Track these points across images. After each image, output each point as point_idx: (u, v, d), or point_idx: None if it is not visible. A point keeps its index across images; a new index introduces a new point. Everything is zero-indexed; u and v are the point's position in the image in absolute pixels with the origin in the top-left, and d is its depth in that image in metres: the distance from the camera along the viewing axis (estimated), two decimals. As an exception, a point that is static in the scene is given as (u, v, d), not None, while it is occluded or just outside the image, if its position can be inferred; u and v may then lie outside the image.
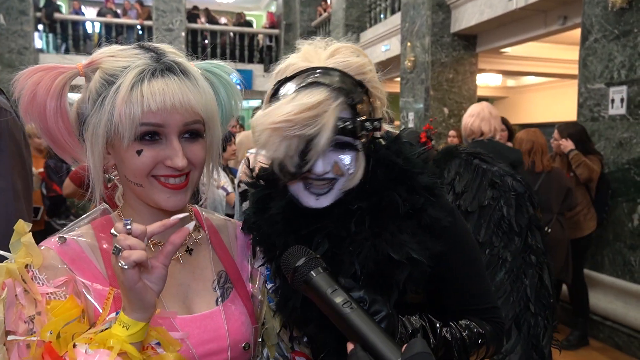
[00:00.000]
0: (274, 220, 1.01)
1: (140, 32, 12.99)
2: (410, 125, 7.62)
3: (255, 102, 14.80)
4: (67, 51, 12.59)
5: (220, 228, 1.06)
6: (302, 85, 0.90)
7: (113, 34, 12.69)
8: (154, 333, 0.77)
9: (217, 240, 1.03)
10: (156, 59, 0.84)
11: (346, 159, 0.93)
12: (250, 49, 13.94)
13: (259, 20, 16.76)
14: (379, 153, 1.00)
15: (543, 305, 1.71)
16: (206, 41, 13.51)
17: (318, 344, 1.03)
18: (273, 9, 16.10)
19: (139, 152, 0.82)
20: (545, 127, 5.41)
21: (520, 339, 1.66)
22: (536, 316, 1.69)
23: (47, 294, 0.78)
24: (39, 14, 12.07)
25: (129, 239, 0.71)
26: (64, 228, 0.91)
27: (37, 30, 12.01)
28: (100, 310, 0.80)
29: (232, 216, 3.57)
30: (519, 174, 1.78)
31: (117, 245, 0.70)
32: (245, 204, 3.20)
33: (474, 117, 3.43)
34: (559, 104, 10.83)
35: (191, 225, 0.79)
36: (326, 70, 0.91)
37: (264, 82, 13.75)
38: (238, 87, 1.03)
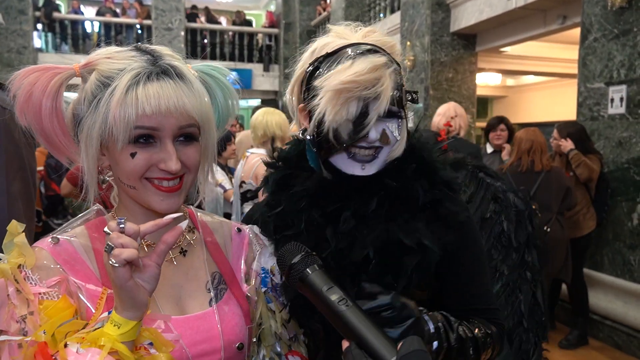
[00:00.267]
0: (298, 197, 1.02)
1: (139, 31, 12.98)
2: (410, 125, 7.60)
3: (254, 102, 14.80)
4: (66, 50, 12.60)
5: (215, 229, 1.06)
6: (358, 52, 0.92)
7: (112, 33, 12.69)
8: (147, 333, 0.77)
9: (211, 241, 1.03)
10: (152, 62, 0.84)
11: (393, 126, 0.96)
12: (250, 48, 13.93)
13: (258, 19, 16.76)
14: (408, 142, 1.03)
15: (535, 322, 1.74)
16: (205, 40, 13.50)
17: (321, 336, 1.03)
18: (272, 8, 16.09)
19: (132, 155, 0.83)
20: (545, 127, 5.41)
21: (512, 353, 1.69)
22: (528, 332, 1.72)
23: (40, 293, 0.78)
24: (38, 13, 12.06)
25: (121, 237, 0.71)
26: (58, 228, 0.91)
27: (36, 29, 12.00)
28: (93, 311, 0.79)
29: (229, 215, 3.56)
30: (520, 191, 1.83)
31: (110, 243, 0.70)
32: (247, 205, 3.20)
33: (440, 116, 3.79)
34: (558, 104, 10.84)
35: (184, 224, 0.79)
36: (372, 45, 0.95)
37: (263, 81, 13.75)
38: (235, 88, 1.03)
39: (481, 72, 8.59)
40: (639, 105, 3.85)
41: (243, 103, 16.75)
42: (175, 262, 0.95)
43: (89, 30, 13.12)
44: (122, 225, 0.72)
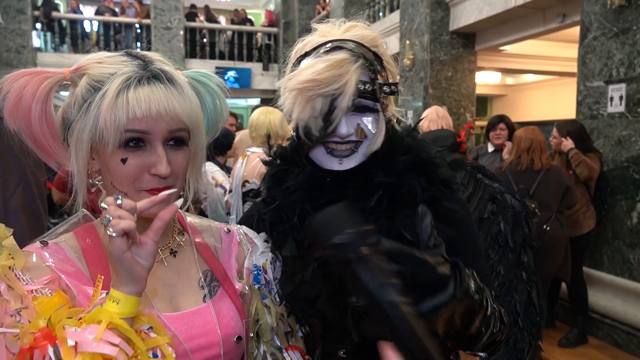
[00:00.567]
0: (290, 191, 1.04)
1: (138, 30, 12.96)
2: (409, 122, 7.61)
3: (253, 101, 14.79)
4: (65, 50, 12.58)
5: (204, 230, 1.07)
6: (322, 51, 0.95)
7: (111, 32, 12.67)
8: (145, 318, 0.78)
9: (201, 242, 1.03)
10: (143, 67, 0.85)
11: (368, 120, 0.97)
12: (249, 47, 13.93)
13: (257, 18, 16.75)
14: (403, 139, 1.06)
15: (530, 322, 1.76)
16: (205, 40, 13.49)
17: (325, 322, 1.03)
18: (271, 7, 16.08)
19: (123, 161, 0.83)
20: (544, 125, 5.42)
21: (506, 352, 1.71)
22: (523, 332, 1.74)
23: (33, 290, 0.78)
24: (36, 13, 12.04)
25: (119, 210, 0.72)
26: (44, 234, 0.91)
27: (35, 29, 11.98)
28: None
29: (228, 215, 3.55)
30: (518, 193, 1.85)
31: (107, 216, 0.72)
32: (247, 204, 3.20)
33: (423, 119, 3.79)
34: (558, 102, 10.84)
35: (179, 202, 0.81)
36: (343, 41, 0.97)
37: (263, 80, 13.74)
38: (226, 89, 1.03)
39: (480, 71, 8.59)
40: (638, 104, 3.85)
41: (242, 102, 16.74)
42: (166, 263, 0.96)
43: (88, 29, 13.09)
44: (119, 201, 0.74)
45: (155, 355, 0.76)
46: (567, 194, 3.80)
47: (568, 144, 3.97)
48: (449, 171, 1.06)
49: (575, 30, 4.73)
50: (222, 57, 13.61)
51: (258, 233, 1.12)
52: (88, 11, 14.18)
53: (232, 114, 5.95)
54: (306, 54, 0.99)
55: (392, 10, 9.10)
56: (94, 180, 0.88)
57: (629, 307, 3.95)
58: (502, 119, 4.86)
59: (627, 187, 3.96)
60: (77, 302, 0.82)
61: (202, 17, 13.98)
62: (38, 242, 0.87)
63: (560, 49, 8.02)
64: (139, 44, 12.68)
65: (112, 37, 12.59)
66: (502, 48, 7.57)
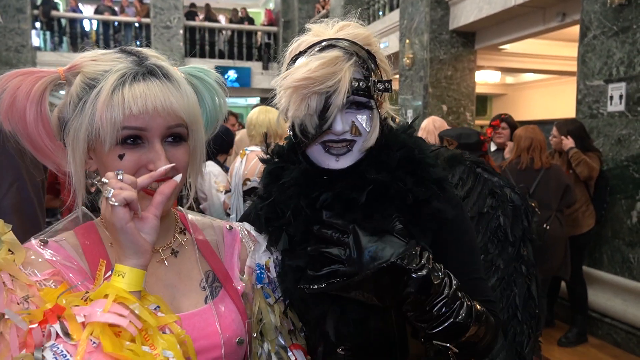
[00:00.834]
0: (286, 187, 1.06)
1: (138, 29, 12.95)
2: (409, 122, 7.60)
3: (253, 100, 14.79)
4: (64, 49, 12.57)
5: (206, 229, 1.06)
6: (316, 50, 0.97)
7: (110, 31, 12.66)
8: (152, 298, 0.77)
9: (202, 240, 1.02)
10: (138, 63, 0.84)
11: (363, 118, 0.99)
12: (249, 46, 13.92)
13: (257, 17, 16.75)
14: (398, 136, 1.07)
15: (529, 315, 1.77)
16: (205, 39, 13.48)
17: (321, 330, 1.04)
18: (271, 6, 16.08)
19: (120, 157, 0.82)
20: (544, 124, 5.41)
21: (506, 345, 1.72)
22: (522, 324, 1.75)
23: (38, 282, 0.77)
24: (36, 12, 12.03)
25: (120, 182, 0.73)
26: (42, 232, 0.90)
27: (34, 28, 11.97)
28: None
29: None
30: (518, 188, 1.86)
31: (109, 187, 0.72)
32: (247, 203, 3.20)
33: (421, 131, 3.92)
34: (557, 101, 10.84)
35: (179, 177, 0.81)
36: (337, 40, 0.98)
37: (263, 79, 13.74)
38: (224, 86, 1.03)
39: (480, 70, 8.60)
40: (638, 103, 3.85)
41: (242, 101, 16.74)
42: (166, 263, 0.95)
43: (87, 28, 13.08)
44: (120, 177, 0.74)
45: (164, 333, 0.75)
46: (567, 193, 3.80)
47: (568, 143, 3.97)
48: (441, 170, 1.07)
49: (575, 29, 4.72)
50: (221, 56, 13.60)
51: (255, 228, 1.12)
52: (87, 10, 14.16)
53: (233, 114, 5.94)
54: (300, 54, 0.99)
55: (391, 9, 9.09)
56: (93, 180, 0.87)
57: (629, 306, 3.95)
58: (503, 118, 4.88)
59: (627, 186, 3.96)
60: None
61: (201, 16, 13.97)
62: (37, 240, 0.86)
63: (560, 47, 8.02)
64: (138, 43, 12.68)
65: (111, 36, 12.58)
66: (501, 47, 7.57)
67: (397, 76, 8.19)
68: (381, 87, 0.99)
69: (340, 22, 1.04)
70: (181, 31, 12.67)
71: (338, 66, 0.93)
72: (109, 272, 0.76)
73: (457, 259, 1.04)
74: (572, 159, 3.91)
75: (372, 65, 0.99)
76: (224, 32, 13.81)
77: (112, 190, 0.72)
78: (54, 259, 0.83)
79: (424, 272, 0.90)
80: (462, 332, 0.95)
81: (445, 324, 0.92)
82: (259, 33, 14.38)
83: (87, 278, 0.84)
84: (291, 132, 1.04)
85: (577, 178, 3.96)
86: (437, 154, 1.14)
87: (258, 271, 1.05)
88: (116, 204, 0.71)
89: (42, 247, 0.85)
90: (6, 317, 0.69)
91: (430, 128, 3.69)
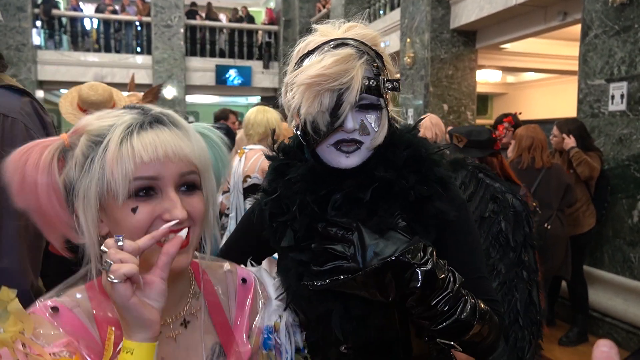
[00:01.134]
0: (292, 182, 1.06)
1: (139, 28, 12.94)
2: (410, 122, 7.61)
3: (254, 99, 14.79)
4: (65, 47, 12.56)
5: (220, 283, 1.01)
6: (331, 47, 0.97)
7: (111, 30, 12.66)
8: None
9: (214, 304, 0.97)
10: (143, 114, 0.81)
11: (371, 118, 1.00)
12: (249, 45, 13.91)
13: (258, 16, 16.74)
14: (403, 135, 1.08)
15: (531, 320, 1.77)
16: (206, 37, 13.47)
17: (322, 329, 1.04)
18: (272, 5, 16.06)
19: (134, 210, 0.77)
20: (545, 124, 5.40)
21: (507, 350, 1.72)
22: (523, 330, 1.75)
23: (52, 353, 0.72)
24: (36, 10, 12.03)
25: (120, 253, 0.68)
26: (51, 291, 0.85)
27: (35, 26, 11.96)
28: None
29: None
30: (519, 194, 1.86)
31: (108, 260, 0.67)
32: (248, 201, 3.20)
33: (423, 128, 3.87)
34: (558, 100, 10.83)
35: (184, 232, 0.76)
36: (346, 39, 0.99)
37: (263, 78, 13.73)
38: (228, 146, 1.00)
39: (481, 69, 8.58)
40: (639, 102, 3.85)
41: (242, 100, 16.73)
42: (176, 341, 0.89)
43: (88, 27, 13.07)
44: (120, 243, 0.69)
45: None
46: (568, 192, 3.79)
47: (570, 142, 3.96)
48: (446, 169, 1.07)
49: (577, 29, 4.71)
50: (222, 55, 13.60)
51: (259, 224, 1.10)
52: (88, 9, 14.13)
53: (233, 112, 5.93)
54: (309, 53, 1.00)
55: (392, 8, 9.08)
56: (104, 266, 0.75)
57: (630, 306, 3.95)
58: (506, 118, 4.88)
59: (628, 185, 3.95)
60: None
61: (202, 15, 13.96)
62: (47, 305, 0.80)
63: (561, 47, 8.01)
64: (139, 42, 12.69)
65: (112, 35, 12.58)
66: (502, 46, 7.56)
67: (398, 75, 8.18)
68: (390, 86, 1.00)
69: (346, 23, 1.05)
70: (182, 30, 12.66)
71: (351, 63, 0.93)
72: (119, 347, 0.71)
73: (460, 258, 1.04)
74: (573, 158, 3.91)
75: (381, 64, 1.00)
76: (224, 31, 13.80)
77: (111, 264, 0.67)
78: (60, 330, 0.78)
79: (429, 266, 0.90)
80: (466, 329, 0.94)
81: (449, 321, 0.92)
82: (260, 32, 14.37)
83: (99, 350, 0.79)
84: (299, 131, 1.04)
85: (578, 177, 3.95)
86: (442, 154, 1.14)
87: (266, 335, 1.01)
88: (115, 281, 0.66)
89: (53, 316, 0.78)
90: None
91: (427, 124, 3.73)
